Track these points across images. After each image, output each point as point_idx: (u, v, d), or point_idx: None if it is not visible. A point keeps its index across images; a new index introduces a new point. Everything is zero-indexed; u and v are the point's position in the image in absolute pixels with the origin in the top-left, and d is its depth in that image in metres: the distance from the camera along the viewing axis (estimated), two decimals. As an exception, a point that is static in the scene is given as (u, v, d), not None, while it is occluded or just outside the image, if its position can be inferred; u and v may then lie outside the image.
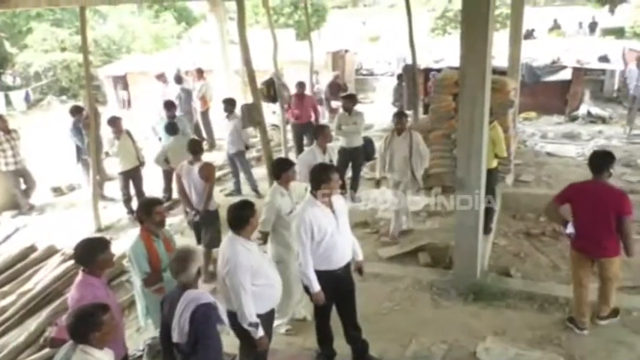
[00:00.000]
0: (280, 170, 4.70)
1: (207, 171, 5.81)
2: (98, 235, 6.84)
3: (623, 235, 4.29)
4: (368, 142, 7.98)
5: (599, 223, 4.32)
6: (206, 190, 5.80)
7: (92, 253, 3.41)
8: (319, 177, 3.89)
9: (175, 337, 3.16)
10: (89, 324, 2.76)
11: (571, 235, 4.55)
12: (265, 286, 3.68)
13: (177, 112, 10.67)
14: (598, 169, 4.37)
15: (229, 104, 8.55)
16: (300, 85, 10.04)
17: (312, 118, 9.85)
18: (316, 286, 3.92)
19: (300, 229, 3.84)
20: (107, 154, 9.53)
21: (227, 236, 3.73)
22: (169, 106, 8.72)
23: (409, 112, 12.00)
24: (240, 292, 3.49)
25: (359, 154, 7.84)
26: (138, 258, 3.95)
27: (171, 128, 7.35)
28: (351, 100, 8.13)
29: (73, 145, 9.10)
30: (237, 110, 8.08)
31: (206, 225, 6.00)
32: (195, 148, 5.95)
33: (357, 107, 8.20)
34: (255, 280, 3.58)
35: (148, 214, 4.04)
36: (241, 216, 3.64)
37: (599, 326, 4.74)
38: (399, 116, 6.66)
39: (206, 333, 3.09)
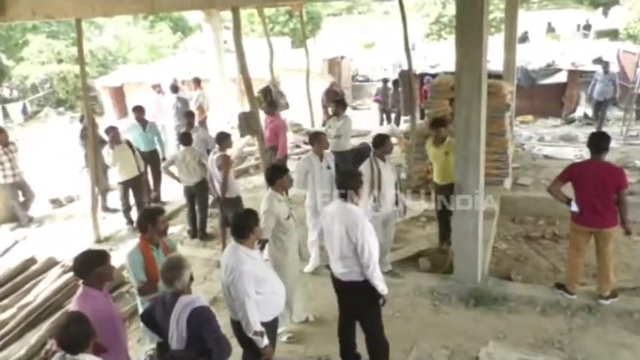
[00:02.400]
0: (274, 177, 4.72)
1: (220, 161, 6.47)
2: (98, 247, 6.84)
3: (622, 206, 4.77)
4: (366, 147, 7.99)
5: (601, 197, 4.75)
6: (221, 179, 6.50)
7: (90, 266, 3.39)
8: (352, 183, 3.95)
9: (174, 344, 3.18)
10: (81, 333, 2.77)
11: (575, 213, 4.91)
12: (270, 294, 3.69)
13: (175, 121, 10.76)
14: (597, 149, 4.82)
15: (190, 117, 8.61)
16: (270, 105, 8.90)
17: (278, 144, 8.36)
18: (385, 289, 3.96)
19: (372, 233, 3.85)
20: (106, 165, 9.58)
21: (230, 245, 3.74)
22: (138, 110, 8.77)
23: (406, 118, 12.13)
24: (245, 300, 3.49)
25: (346, 158, 7.87)
26: (134, 266, 3.93)
27: (185, 138, 7.25)
28: (339, 105, 8.29)
29: (82, 152, 9.16)
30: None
31: (230, 211, 6.52)
32: (219, 139, 6.66)
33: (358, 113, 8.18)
34: (260, 288, 3.59)
35: (154, 223, 4.01)
36: (245, 224, 3.65)
37: (600, 328, 4.75)
38: (385, 139, 5.65)
39: (212, 332, 3.13)
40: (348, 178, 4.01)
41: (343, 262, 3.92)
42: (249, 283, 3.50)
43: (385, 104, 13.62)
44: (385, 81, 13.81)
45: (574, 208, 4.89)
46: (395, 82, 13.35)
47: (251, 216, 3.73)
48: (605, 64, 12.14)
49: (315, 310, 5.25)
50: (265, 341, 3.58)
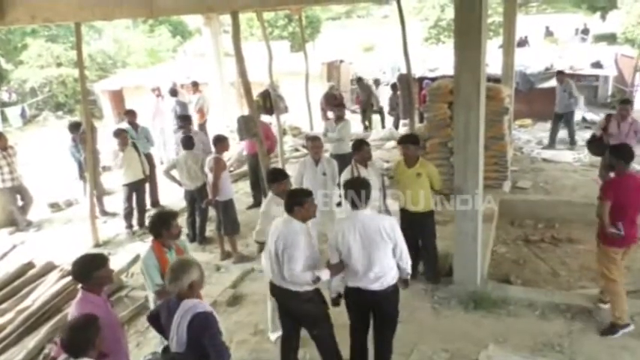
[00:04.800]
0: (272, 181, 4.77)
1: (212, 163, 6.54)
2: (96, 250, 6.83)
3: None
4: None
5: None
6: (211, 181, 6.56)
7: (89, 270, 3.38)
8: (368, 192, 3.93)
9: (174, 347, 3.17)
10: (84, 339, 2.77)
11: (619, 235, 4.51)
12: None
13: (174, 124, 10.76)
14: (628, 161, 4.57)
15: (185, 121, 8.61)
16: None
17: (267, 148, 8.05)
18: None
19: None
20: (104, 168, 9.58)
21: (283, 218, 3.94)
22: (130, 114, 8.98)
23: (405, 121, 12.14)
24: (298, 259, 3.79)
25: (346, 162, 7.88)
26: (149, 269, 3.93)
27: (187, 142, 7.22)
28: (342, 109, 8.43)
29: (74, 162, 9.13)
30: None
31: (221, 214, 6.70)
32: (215, 142, 6.76)
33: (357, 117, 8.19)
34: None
35: (169, 227, 4.00)
36: (288, 202, 3.89)
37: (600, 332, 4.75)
38: (360, 145, 5.64)
39: (211, 338, 3.10)
40: (365, 189, 3.88)
41: (376, 270, 3.80)
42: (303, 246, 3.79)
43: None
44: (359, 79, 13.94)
45: (622, 230, 4.49)
46: (393, 86, 13.36)
47: (297, 195, 3.95)
48: (560, 74, 11.20)
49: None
50: (324, 276, 3.84)
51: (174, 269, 3.21)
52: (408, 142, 5.50)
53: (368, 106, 13.71)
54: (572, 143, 11.06)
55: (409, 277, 4.17)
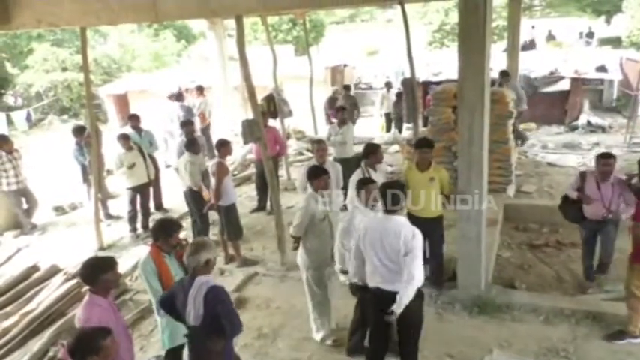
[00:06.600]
0: (313, 177, 4.78)
1: (215, 168, 6.47)
2: (105, 254, 6.84)
3: None
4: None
5: None
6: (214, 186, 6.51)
7: (97, 273, 3.39)
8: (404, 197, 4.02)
9: (191, 320, 3.39)
10: (87, 348, 2.76)
11: None
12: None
13: (179, 128, 10.77)
14: None
15: (186, 126, 8.63)
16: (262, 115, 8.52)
17: (276, 153, 8.61)
18: None
19: None
20: (109, 172, 9.60)
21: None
22: (134, 118, 9.05)
23: (409, 125, 12.11)
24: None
25: (351, 166, 7.87)
26: (147, 275, 3.93)
27: (186, 145, 7.22)
28: (344, 113, 8.47)
29: (78, 166, 9.15)
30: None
31: (224, 218, 6.68)
32: (218, 146, 6.72)
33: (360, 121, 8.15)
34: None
35: (168, 236, 4.01)
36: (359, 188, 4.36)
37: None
38: (376, 149, 5.75)
39: (225, 309, 3.33)
40: (399, 192, 3.88)
41: (401, 274, 3.78)
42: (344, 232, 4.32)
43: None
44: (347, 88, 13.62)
45: None
46: (399, 94, 13.25)
47: (367, 182, 4.40)
48: (503, 73, 10.23)
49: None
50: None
51: (195, 244, 3.44)
52: (425, 146, 5.47)
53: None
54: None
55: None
